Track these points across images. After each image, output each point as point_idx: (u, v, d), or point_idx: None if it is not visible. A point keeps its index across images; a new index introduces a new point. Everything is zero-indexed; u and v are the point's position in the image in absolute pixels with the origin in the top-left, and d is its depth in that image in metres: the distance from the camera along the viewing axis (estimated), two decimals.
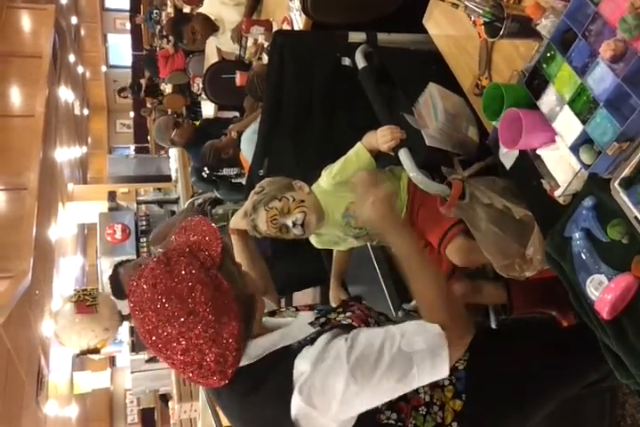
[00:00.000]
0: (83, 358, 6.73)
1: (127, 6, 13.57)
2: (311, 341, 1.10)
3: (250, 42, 3.47)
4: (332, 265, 2.05)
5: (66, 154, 8.24)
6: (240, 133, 3.29)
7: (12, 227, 4.66)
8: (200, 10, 4.05)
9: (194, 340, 1.02)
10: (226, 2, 3.80)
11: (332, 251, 2.05)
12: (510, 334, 1.57)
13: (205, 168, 3.77)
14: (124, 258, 3.02)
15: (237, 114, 4.43)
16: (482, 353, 1.37)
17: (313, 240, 1.93)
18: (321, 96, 2.16)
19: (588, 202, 1.19)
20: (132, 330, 5.90)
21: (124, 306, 2.74)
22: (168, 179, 8.54)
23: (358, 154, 1.76)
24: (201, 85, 4.48)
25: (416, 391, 1.21)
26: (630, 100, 1.04)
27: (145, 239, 7.04)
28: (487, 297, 1.92)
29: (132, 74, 12.04)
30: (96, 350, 2.52)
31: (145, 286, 1.04)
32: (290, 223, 1.65)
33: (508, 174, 1.47)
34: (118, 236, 7.09)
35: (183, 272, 1.04)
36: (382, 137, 1.70)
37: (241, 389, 1.10)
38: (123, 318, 2.70)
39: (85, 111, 12.81)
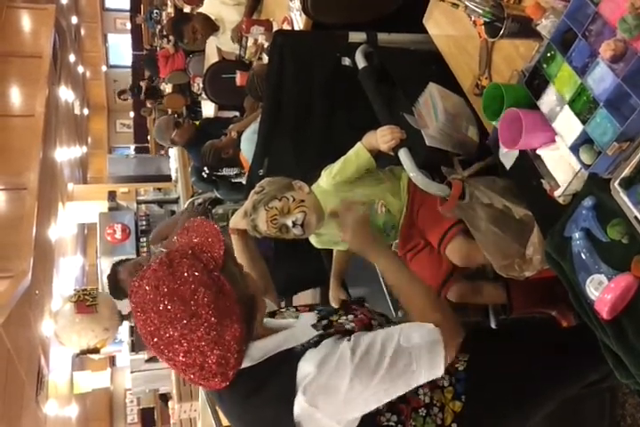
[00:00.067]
0: (83, 358, 6.73)
1: (127, 6, 13.57)
2: (315, 344, 1.11)
3: (250, 42, 3.47)
4: (332, 265, 2.05)
5: (66, 154, 8.24)
6: (240, 133, 3.29)
7: (12, 227, 4.66)
8: (200, 9, 4.05)
9: (196, 342, 1.02)
10: (226, 1, 3.80)
11: (332, 251, 2.05)
12: (510, 334, 1.57)
13: (205, 168, 3.77)
14: (124, 258, 3.01)
15: (237, 114, 4.44)
16: (481, 353, 1.37)
17: (313, 240, 1.93)
18: (321, 96, 2.16)
19: (587, 202, 1.19)
20: (131, 330, 5.90)
21: (123, 306, 2.74)
22: (168, 179, 8.54)
23: (358, 154, 1.76)
24: (201, 85, 4.48)
25: (416, 393, 1.22)
26: (630, 100, 1.04)
27: (145, 239, 7.04)
28: (487, 297, 1.92)
29: (132, 74, 12.05)
30: (96, 350, 2.52)
31: (147, 288, 1.03)
32: (290, 223, 1.65)
33: (507, 174, 1.47)
34: (118, 236, 7.08)
35: (186, 274, 1.03)
36: (382, 137, 1.70)
37: (242, 390, 1.10)
38: (123, 317, 2.70)
39: (85, 111, 12.82)
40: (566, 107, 1.17)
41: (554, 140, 1.24)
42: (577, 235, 1.20)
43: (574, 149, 1.16)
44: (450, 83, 1.72)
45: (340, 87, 2.12)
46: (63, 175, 7.83)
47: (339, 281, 2.01)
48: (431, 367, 1.10)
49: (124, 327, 5.50)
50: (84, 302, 2.48)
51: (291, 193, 1.68)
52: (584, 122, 1.13)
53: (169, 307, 1.01)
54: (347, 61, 2.05)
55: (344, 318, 1.19)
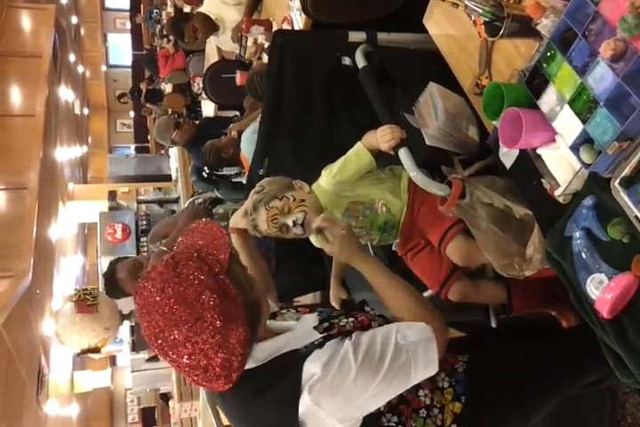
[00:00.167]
0: (83, 358, 6.73)
1: (127, 6, 13.56)
2: (320, 345, 1.11)
3: (250, 41, 3.47)
4: (333, 265, 2.05)
5: (66, 153, 8.23)
6: (240, 133, 3.29)
7: (13, 226, 4.66)
8: (200, 9, 4.05)
9: (200, 345, 1.03)
10: (226, 1, 3.80)
11: None
12: (510, 333, 1.58)
13: (205, 167, 3.77)
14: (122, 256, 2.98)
15: (237, 113, 4.43)
16: (481, 353, 1.38)
17: (313, 240, 1.93)
18: (321, 96, 2.16)
19: (588, 201, 1.19)
20: (132, 329, 5.89)
21: (124, 305, 2.74)
22: (168, 178, 8.54)
23: (358, 153, 1.76)
24: (201, 85, 4.48)
25: (416, 394, 1.23)
26: (630, 100, 1.04)
27: (145, 239, 7.03)
28: (487, 297, 1.92)
29: (131, 74, 12.05)
30: (97, 350, 2.53)
31: (153, 289, 1.04)
32: (290, 223, 1.65)
33: (508, 174, 1.48)
34: (119, 235, 7.08)
35: (191, 277, 1.04)
36: (382, 136, 1.70)
37: (246, 392, 1.11)
38: (123, 317, 2.70)
39: (86, 111, 12.81)
40: (566, 106, 1.17)
41: (554, 140, 1.24)
42: (577, 234, 1.20)
43: (574, 148, 1.16)
44: (450, 82, 1.72)
45: (340, 87, 2.12)
46: (63, 175, 7.83)
47: (339, 281, 2.01)
48: (427, 365, 1.12)
49: (125, 327, 5.51)
50: (85, 302, 2.48)
51: (291, 193, 1.68)
52: (584, 121, 1.13)
53: (174, 309, 1.02)
54: (347, 61, 2.05)
55: (345, 320, 1.20)
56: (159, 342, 1.04)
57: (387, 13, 2.31)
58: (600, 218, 1.17)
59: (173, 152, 7.83)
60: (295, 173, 1.85)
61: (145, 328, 1.05)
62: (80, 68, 12.12)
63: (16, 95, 5.91)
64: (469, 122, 1.75)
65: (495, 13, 1.28)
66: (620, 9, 1.02)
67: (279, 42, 2.11)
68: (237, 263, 1.14)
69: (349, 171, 1.77)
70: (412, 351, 1.10)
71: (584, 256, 1.18)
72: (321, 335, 1.15)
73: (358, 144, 1.76)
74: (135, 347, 6.32)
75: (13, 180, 5.05)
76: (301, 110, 2.20)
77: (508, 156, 1.44)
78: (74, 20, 11.45)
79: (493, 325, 2.00)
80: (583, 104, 1.14)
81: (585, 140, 1.15)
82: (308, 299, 3.20)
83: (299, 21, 2.66)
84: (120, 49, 14.20)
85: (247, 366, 1.09)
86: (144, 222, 7.38)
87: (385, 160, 1.83)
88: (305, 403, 1.06)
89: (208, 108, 5.01)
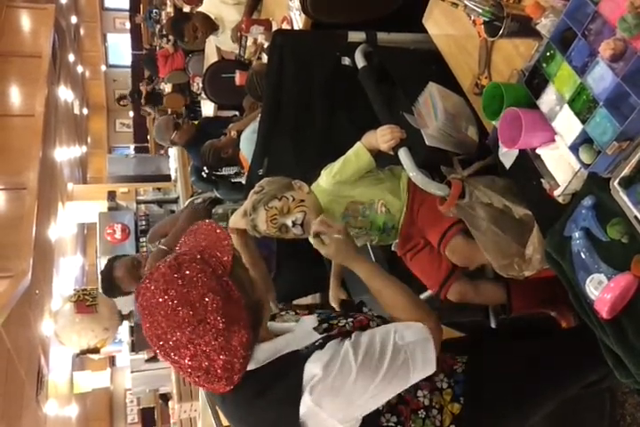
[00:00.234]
0: (83, 358, 6.72)
1: (127, 6, 13.54)
2: (320, 346, 1.12)
3: (249, 41, 3.47)
4: (332, 265, 2.05)
5: (65, 153, 8.23)
6: (240, 133, 3.29)
7: (12, 226, 4.66)
8: (200, 9, 4.05)
9: (203, 347, 1.03)
10: (226, 1, 3.80)
11: None
12: (510, 333, 1.57)
13: (205, 168, 3.76)
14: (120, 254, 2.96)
15: (237, 113, 4.43)
16: (481, 353, 1.38)
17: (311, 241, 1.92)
18: (321, 96, 2.16)
19: (587, 201, 1.19)
20: (131, 330, 5.89)
21: (123, 305, 2.74)
22: (168, 178, 8.54)
23: (358, 153, 1.76)
24: (201, 85, 4.48)
25: (415, 395, 1.24)
26: (630, 100, 1.04)
27: (144, 239, 7.03)
28: (487, 297, 1.91)
29: (131, 74, 12.04)
30: (96, 350, 2.52)
31: (156, 290, 1.04)
32: (289, 223, 1.65)
33: (507, 174, 1.47)
34: (118, 235, 7.08)
35: (195, 279, 1.04)
36: (382, 136, 1.70)
37: (247, 393, 1.11)
38: (123, 317, 2.69)
39: (85, 111, 12.80)
40: (566, 106, 1.17)
41: (553, 140, 1.24)
42: (577, 234, 1.20)
43: (574, 148, 1.16)
44: (450, 82, 1.72)
45: (340, 87, 2.12)
46: (63, 175, 7.82)
47: (338, 281, 2.01)
48: (425, 364, 1.13)
49: (124, 327, 5.50)
50: (84, 302, 2.48)
51: (290, 193, 1.68)
52: (584, 121, 1.13)
53: (177, 311, 1.02)
54: (346, 61, 2.05)
55: (344, 321, 1.20)
56: (161, 343, 1.04)
57: (386, 13, 2.31)
58: (599, 218, 1.17)
59: (173, 152, 7.83)
60: (295, 173, 1.85)
61: (147, 329, 1.05)
62: (79, 68, 12.11)
63: (15, 95, 5.90)
64: (469, 122, 1.75)
65: (495, 13, 1.28)
66: (619, 9, 1.02)
67: (279, 42, 2.11)
68: (240, 265, 1.14)
69: (349, 171, 1.77)
70: (410, 351, 1.11)
71: (583, 256, 1.18)
72: (321, 336, 1.15)
73: (358, 144, 1.76)
74: (135, 347, 6.31)
75: (13, 180, 5.05)
76: (301, 110, 2.19)
77: (507, 156, 1.44)
78: (73, 19, 11.45)
79: (493, 325, 2.00)
80: (583, 104, 1.14)
81: (584, 140, 1.14)
82: (307, 299, 3.20)
83: (298, 21, 2.66)
84: (119, 49, 14.20)
85: (248, 368, 1.09)
86: (143, 223, 7.38)
87: (384, 160, 1.83)
88: (306, 404, 1.06)
89: (207, 108, 5.01)
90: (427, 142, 1.72)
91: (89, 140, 13.27)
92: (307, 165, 2.12)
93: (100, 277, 2.72)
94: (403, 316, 1.21)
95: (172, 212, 7.34)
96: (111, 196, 8.35)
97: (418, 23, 1.81)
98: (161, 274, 1.05)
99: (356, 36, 2.09)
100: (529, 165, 1.34)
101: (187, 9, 5.48)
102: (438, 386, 1.27)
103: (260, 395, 1.10)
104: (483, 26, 1.38)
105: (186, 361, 1.04)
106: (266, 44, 3.12)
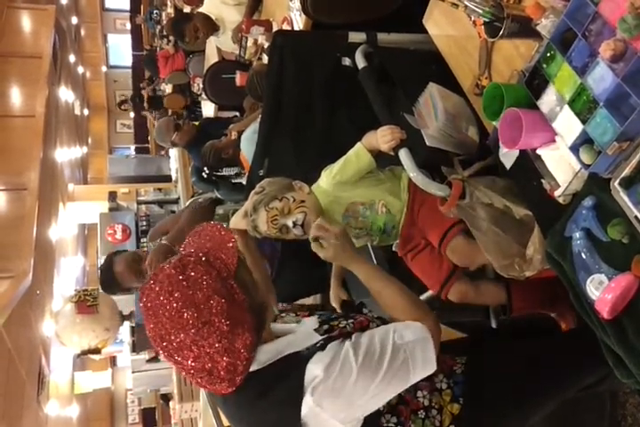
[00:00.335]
0: (83, 358, 6.73)
1: (127, 6, 13.55)
2: (321, 347, 1.12)
3: (250, 42, 3.47)
4: (333, 265, 2.05)
5: (66, 154, 8.23)
6: (240, 133, 3.29)
7: (13, 227, 4.66)
8: (200, 9, 4.05)
9: (206, 349, 1.03)
10: (227, 1, 3.80)
11: None
12: (510, 333, 1.58)
13: (205, 168, 3.77)
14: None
15: (237, 114, 4.43)
16: (481, 353, 1.38)
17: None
18: (321, 96, 2.16)
19: (588, 202, 1.19)
20: (132, 330, 5.89)
21: (124, 306, 2.73)
22: (168, 179, 8.54)
23: (358, 154, 1.76)
24: (201, 85, 4.48)
25: (415, 395, 1.24)
26: (630, 100, 1.04)
27: (145, 239, 7.04)
28: (487, 297, 1.91)
29: (132, 75, 12.04)
30: (97, 350, 2.53)
31: (160, 291, 1.04)
32: (290, 224, 1.65)
33: (508, 174, 1.47)
34: (119, 236, 7.10)
35: (200, 281, 1.04)
36: (382, 137, 1.70)
37: (249, 394, 1.11)
38: (123, 318, 2.70)
39: (86, 111, 12.81)
40: (566, 106, 1.17)
41: (554, 140, 1.24)
42: (577, 235, 1.20)
43: (574, 148, 1.16)
44: (450, 83, 1.72)
45: (340, 87, 2.12)
46: (63, 176, 7.83)
47: (339, 281, 2.01)
48: (425, 364, 1.13)
49: (125, 327, 5.50)
50: (85, 303, 2.48)
51: (291, 193, 1.68)
52: (584, 122, 1.13)
53: (182, 313, 1.02)
54: (347, 61, 2.05)
55: (344, 322, 1.20)
56: (164, 344, 1.04)
57: (386, 14, 2.31)
58: (600, 218, 1.17)
59: (173, 153, 7.84)
60: (295, 173, 1.85)
61: (150, 330, 1.05)
62: (80, 69, 12.12)
63: (16, 96, 5.91)
64: (469, 122, 1.75)
65: (495, 14, 1.28)
66: (619, 9, 1.02)
67: (279, 42, 2.11)
68: (244, 268, 1.15)
69: (349, 171, 1.77)
70: (409, 351, 1.11)
71: (584, 257, 1.18)
72: (322, 338, 1.15)
73: (358, 145, 1.76)
74: (136, 348, 6.30)
75: (13, 180, 5.05)
76: (301, 111, 2.20)
77: (507, 156, 1.44)
78: (74, 20, 11.45)
79: (493, 325, 2.00)
80: (583, 104, 1.14)
81: (585, 141, 1.15)
82: (307, 300, 3.20)
83: (299, 22, 2.66)
84: (120, 49, 14.20)
85: (250, 369, 1.09)
86: (144, 223, 7.39)
87: (385, 161, 1.83)
88: (307, 405, 1.07)
89: (208, 109, 5.01)
90: (427, 143, 1.72)
91: (89, 140, 13.28)
92: (307, 166, 2.12)
93: (99, 272, 2.66)
94: (402, 316, 1.21)
95: (173, 212, 7.36)
96: (112, 196, 8.37)
97: (418, 23, 1.81)
98: (166, 275, 1.05)
99: (356, 36, 2.09)
100: (529, 165, 1.34)
101: (187, 10, 5.48)
102: (438, 387, 1.28)
103: (261, 396, 1.10)
104: (483, 26, 1.38)
105: (189, 362, 1.05)
106: (266, 45, 3.12)
